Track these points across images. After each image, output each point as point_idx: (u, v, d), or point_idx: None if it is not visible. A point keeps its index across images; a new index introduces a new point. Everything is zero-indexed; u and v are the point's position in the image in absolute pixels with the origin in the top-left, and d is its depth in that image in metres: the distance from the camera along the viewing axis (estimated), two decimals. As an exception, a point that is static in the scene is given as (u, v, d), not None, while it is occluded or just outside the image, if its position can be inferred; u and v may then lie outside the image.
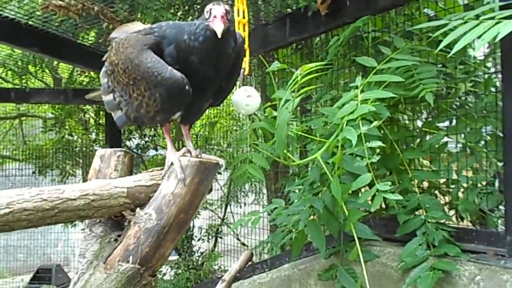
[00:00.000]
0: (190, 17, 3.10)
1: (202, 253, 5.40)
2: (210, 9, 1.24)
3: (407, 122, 2.18)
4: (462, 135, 1.98)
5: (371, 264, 1.94)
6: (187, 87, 1.30)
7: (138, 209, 1.39)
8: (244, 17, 1.74)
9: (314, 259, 2.21)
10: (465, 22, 1.53)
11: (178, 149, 1.44)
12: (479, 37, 1.37)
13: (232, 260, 5.90)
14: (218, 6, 1.24)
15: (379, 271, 1.91)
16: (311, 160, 1.87)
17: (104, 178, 1.54)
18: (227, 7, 1.27)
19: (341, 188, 1.68)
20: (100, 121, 5.34)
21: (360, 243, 1.79)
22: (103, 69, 1.56)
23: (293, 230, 2.10)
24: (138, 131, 5.21)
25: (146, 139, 5.34)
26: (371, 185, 1.68)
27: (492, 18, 1.43)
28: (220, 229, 5.62)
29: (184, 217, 1.39)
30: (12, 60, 4.03)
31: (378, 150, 1.59)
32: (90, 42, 3.43)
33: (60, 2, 2.50)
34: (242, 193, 5.75)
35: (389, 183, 1.56)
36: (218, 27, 1.21)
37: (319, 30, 2.39)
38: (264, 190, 5.44)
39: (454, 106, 2.09)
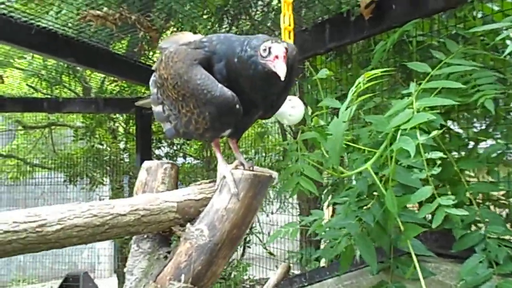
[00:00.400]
0: (224, 25, 3.06)
1: (229, 262, 5.33)
2: (269, 48, 1.16)
3: (459, 130, 2.06)
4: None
5: (426, 281, 1.82)
6: (237, 106, 1.24)
7: (188, 225, 1.33)
8: (290, 24, 1.67)
9: (360, 275, 2.11)
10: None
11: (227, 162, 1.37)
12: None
13: (259, 269, 5.82)
14: (278, 44, 1.17)
15: (435, 290, 1.80)
16: (360, 171, 1.77)
17: (151, 191, 1.48)
18: (286, 45, 1.20)
19: (396, 202, 1.58)
20: (130, 130, 5.36)
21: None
22: (152, 78, 1.51)
23: (340, 243, 2.00)
24: (168, 140, 5.21)
25: (175, 147, 5.33)
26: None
27: None
28: (248, 238, 5.55)
29: (237, 233, 1.32)
30: (46, 70, 4.08)
31: (438, 162, 1.48)
32: (123, 51, 3.43)
33: (98, 12, 2.49)
34: (267, 201, 5.67)
35: (452, 197, 1.45)
36: (281, 70, 1.14)
37: (362, 35, 2.30)
38: (290, 199, 5.35)
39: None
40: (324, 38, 2.50)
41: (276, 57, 1.15)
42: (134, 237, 1.46)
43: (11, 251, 1.12)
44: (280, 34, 2.80)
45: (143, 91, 4.81)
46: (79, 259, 10.06)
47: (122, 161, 5.59)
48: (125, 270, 1.45)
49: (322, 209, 2.80)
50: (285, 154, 4.68)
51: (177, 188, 1.53)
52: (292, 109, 1.54)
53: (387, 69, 1.43)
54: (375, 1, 2.12)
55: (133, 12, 2.54)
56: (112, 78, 4.45)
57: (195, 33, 2.00)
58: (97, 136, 5.48)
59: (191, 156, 5.85)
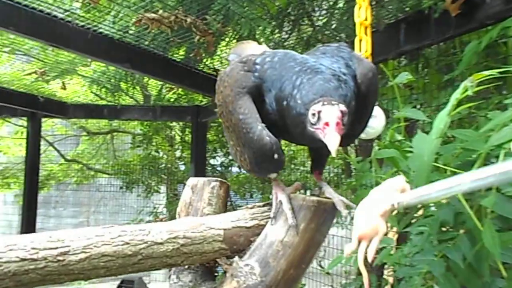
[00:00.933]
0: (285, 28, 2.84)
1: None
2: (319, 112, 0.91)
3: None
4: None
5: None
6: (276, 155, 1.00)
7: (236, 258, 1.10)
8: (366, 18, 1.40)
9: (441, 321, 1.76)
10: None
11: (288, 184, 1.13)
12: None
13: (314, 283, 5.48)
14: (331, 107, 0.91)
15: None
16: (449, 197, 1.45)
17: (195, 213, 1.28)
18: (343, 107, 0.92)
19: (498, 239, 1.25)
20: (186, 138, 5.29)
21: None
22: None
23: (416, 283, 1.68)
24: (223, 150, 5.07)
25: (230, 157, 5.18)
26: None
27: None
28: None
29: (295, 273, 1.07)
30: (106, 78, 4.10)
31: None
32: (181, 57, 3.33)
33: (153, 15, 2.38)
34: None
35: None
36: (332, 143, 0.89)
37: (446, 36, 1.97)
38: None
39: None
40: (397, 40, 2.19)
41: (327, 124, 0.90)
42: (173, 268, 1.26)
43: (27, 283, 0.95)
44: (346, 38, 2.54)
45: (200, 99, 4.72)
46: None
47: (177, 170, 5.53)
48: None
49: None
50: (346, 168, 4.35)
51: (225, 210, 1.31)
52: (372, 120, 1.27)
53: (507, 68, 1.11)
54: (465, -6, 1.79)
55: (189, 15, 2.40)
56: (169, 86, 4.39)
57: (254, 38, 1.78)
58: (153, 143, 5.48)
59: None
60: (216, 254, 1.13)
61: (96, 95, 5.25)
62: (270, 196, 1.15)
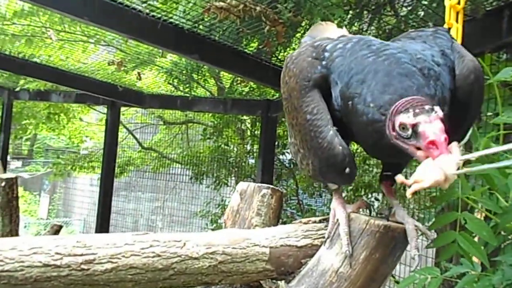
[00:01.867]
0: (364, 19, 2.59)
1: None
2: (413, 126, 0.71)
3: None
4: None
5: None
6: (347, 169, 0.82)
7: (283, 284, 0.94)
8: (459, 2, 1.14)
9: None
10: None
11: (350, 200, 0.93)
12: None
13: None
14: (430, 120, 0.70)
15: None
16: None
17: (242, 223, 1.13)
18: (440, 111, 0.71)
19: None
20: (256, 132, 5.20)
21: None
22: None
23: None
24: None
25: (300, 154, 5.00)
26: None
27: None
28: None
29: (351, 310, 0.88)
30: (178, 69, 4.13)
31: None
32: (252, 49, 3.21)
33: (222, 4, 2.26)
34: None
35: None
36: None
37: None
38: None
39: None
40: (499, 29, 1.85)
41: (432, 144, 0.69)
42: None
43: (49, 291, 0.87)
44: (435, 24, 2.22)
45: (271, 93, 4.59)
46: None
47: (246, 164, 5.47)
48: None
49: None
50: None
51: (276, 222, 1.15)
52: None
53: None
54: None
55: (259, 3, 2.25)
56: (239, 79, 4.31)
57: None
58: (224, 136, 5.47)
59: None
60: (259, 275, 0.97)
61: (172, 84, 5.36)
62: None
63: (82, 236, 0.92)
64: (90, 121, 8.76)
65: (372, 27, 2.82)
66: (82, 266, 0.87)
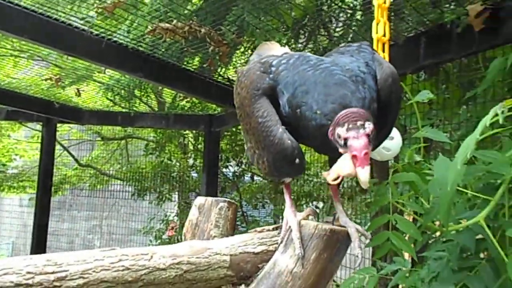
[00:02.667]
0: (301, 40, 2.79)
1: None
2: (345, 139, 0.87)
3: None
4: None
5: None
6: (297, 160, 0.95)
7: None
8: (385, 34, 1.34)
9: None
10: None
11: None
12: None
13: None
14: (358, 137, 0.85)
15: None
16: (469, 224, 1.37)
17: (202, 235, 1.22)
18: (369, 127, 0.87)
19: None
20: (199, 146, 5.27)
21: None
22: None
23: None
24: (236, 159, 5.03)
25: (243, 166, 5.13)
26: None
27: None
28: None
29: (304, 306, 1.00)
30: (120, 85, 4.11)
31: None
32: (195, 67, 3.30)
33: (168, 25, 2.35)
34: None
35: None
36: (364, 177, 0.84)
37: (469, 51, 1.90)
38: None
39: None
40: (417, 54, 2.12)
41: (355, 157, 0.85)
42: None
43: (22, 310, 0.90)
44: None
45: (213, 108, 4.70)
46: None
47: (189, 178, 5.50)
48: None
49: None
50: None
51: (233, 232, 1.26)
52: (389, 141, 1.21)
53: None
54: (490, 9, 1.71)
55: (203, 25, 2.36)
56: (182, 95, 4.37)
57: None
58: (166, 151, 5.46)
59: (258, 176, 5.61)
60: (221, 281, 1.07)
61: (111, 101, 5.27)
62: (281, 217, 1.09)
63: (51, 255, 0.96)
64: (20, 138, 8.27)
65: (308, 48, 3.04)
66: (55, 283, 0.91)
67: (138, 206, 7.34)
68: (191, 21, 2.34)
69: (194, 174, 5.86)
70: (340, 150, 0.88)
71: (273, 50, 1.25)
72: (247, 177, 5.30)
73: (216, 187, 4.38)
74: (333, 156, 1.05)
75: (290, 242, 1.01)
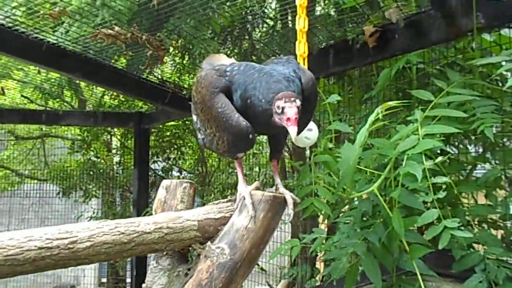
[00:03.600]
0: (228, 44, 3.15)
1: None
2: (283, 108, 1.23)
3: (458, 154, 2.17)
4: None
5: (427, 300, 1.89)
6: (250, 136, 1.31)
7: (209, 243, 1.39)
8: (304, 52, 1.76)
9: (362, 293, 2.17)
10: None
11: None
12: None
13: (250, 284, 5.83)
14: (291, 106, 1.22)
15: (437, 308, 1.87)
16: (367, 192, 1.85)
17: (170, 209, 1.54)
18: (299, 102, 1.25)
19: (402, 223, 1.66)
20: (126, 144, 5.38)
21: (414, 277, 1.77)
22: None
23: (344, 262, 2.06)
24: (163, 155, 5.24)
25: (170, 162, 5.37)
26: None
27: None
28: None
29: (255, 252, 1.38)
30: (49, 83, 4.11)
31: (443, 186, 1.57)
32: (122, 65, 3.46)
33: (110, 32, 2.56)
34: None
35: (457, 219, 1.54)
36: (293, 133, 1.22)
37: (365, 62, 2.42)
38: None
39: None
40: (328, 62, 2.60)
41: (288, 119, 1.22)
42: (153, 254, 1.51)
43: (43, 267, 1.16)
44: (285, 55, 2.92)
45: (140, 105, 4.86)
46: (63, 272, 9.91)
47: (118, 174, 5.59)
48: (143, 286, 1.49)
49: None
50: (281, 171, 4.75)
51: (193, 206, 1.59)
52: (308, 132, 1.62)
53: (402, 101, 1.53)
54: (380, 30, 2.23)
55: (143, 32, 2.62)
56: (113, 93, 4.48)
57: (208, 53, 2.08)
58: (92, 149, 5.48)
59: (185, 170, 5.89)
60: (192, 241, 1.40)
61: (29, 99, 5.15)
62: (234, 194, 1.45)
63: (62, 226, 1.22)
64: None
65: (234, 51, 3.41)
66: (69, 246, 1.18)
67: (57, 205, 7.15)
68: (133, 28, 2.58)
69: (120, 171, 5.94)
70: (277, 118, 1.23)
71: (222, 60, 1.61)
72: (175, 172, 5.54)
73: (147, 182, 4.58)
74: (272, 136, 1.43)
75: (244, 207, 1.38)
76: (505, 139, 2.16)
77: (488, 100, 1.93)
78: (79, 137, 5.64)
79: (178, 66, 3.47)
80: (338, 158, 1.77)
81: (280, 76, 1.32)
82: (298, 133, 1.50)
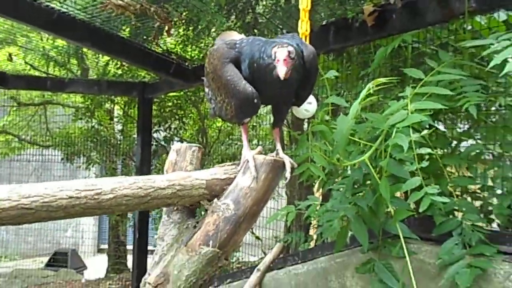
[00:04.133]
0: (240, 22, 3.24)
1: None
2: (275, 53, 1.38)
3: (445, 130, 2.34)
4: (499, 145, 2.13)
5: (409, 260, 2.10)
6: (255, 100, 1.46)
7: (216, 200, 1.56)
8: (306, 30, 1.89)
9: (351, 254, 2.38)
10: (512, 44, 1.68)
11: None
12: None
13: (244, 255, 6.11)
14: (282, 49, 1.38)
15: (417, 267, 2.07)
16: (359, 162, 2.02)
17: (180, 170, 1.70)
18: (290, 48, 1.39)
19: (389, 190, 1.84)
20: (129, 113, 5.51)
21: (399, 240, 1.96)
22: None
23: (335, 224, 2.25)
24: (165, 125, 5.39)
25: (172, 132, 5.52)
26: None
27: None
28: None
29: (256, 209, 1.56)
30: (56, 51, 4.20)
31: (426, 157, 1.74)
32: (126, 34, 3.55)
33: (120, 2, 2.66)
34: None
35: (437, 186, 1.72)
36: (281, 71, 1.37)
37: (364, 40, 2.55)
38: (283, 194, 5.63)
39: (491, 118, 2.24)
40: (328, 39, 2.72)
41: (278, 60, 1.38)
42: (164, 209, 1.69)
43: (73, 214, 1.33)
44: (286, 31, 3.03)
45: (143, 74, 4.97)
46: (62, 237, 10.20)
47: (120, 142, 5.74)
48: (156, 237, 1.68)
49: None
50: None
51: (201, 168, 1.76)
52: (308, 104, 1.78)
53: (393, 78, 1.67)
54: (378, 10, 2.35)
55: (153, 4, 2.72)
56: (117, 62, 4.58)
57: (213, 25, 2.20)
58: (95, 116, 5.62)
59: (185, 140, 6.05)
60: (200, 197, 1.57)
61: (33, 66, 5.24)
62: (239, 156, 1.61)
63: (88, 180, 1.39)
64: None
65: (237, 25, 3.51)
66: (95, 196, 1.35)
67: (56, 170, 7.33)
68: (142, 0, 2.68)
69: (121, 139, 6.09)
70: (275, 64, 1.37)
71: (232, 36, 1.74)
72: (176, 142, 5.70)
73: (150, 150, 4.75)
74: (277, 104, 1.58)
75: (247, 169, 1.55)
76: (491, 117, 2.33)
77: (475, 80, 2.08)
78: (81, 105, 5.75)
79: (182, 37, 3.57)
80: (334, 129, 1.93)
81: (284, 43, 1.47)
82: (299, 104, 1.66)
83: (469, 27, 2.37)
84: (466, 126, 2.47)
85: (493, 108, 2.23)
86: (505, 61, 1.71)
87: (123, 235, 6.85)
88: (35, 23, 2.82)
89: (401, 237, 1.85)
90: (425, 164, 1.73)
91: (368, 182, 2.17)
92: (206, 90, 1.69)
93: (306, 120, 2.98)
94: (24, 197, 1.25)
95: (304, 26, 1.86)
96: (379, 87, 1.70)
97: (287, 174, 1.58)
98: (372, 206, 2.07)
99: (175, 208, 1.67)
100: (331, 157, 1.91)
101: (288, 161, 1.58)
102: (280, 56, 1.38)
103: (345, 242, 2.30)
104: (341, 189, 2.33)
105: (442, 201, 1.69)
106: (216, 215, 1.53)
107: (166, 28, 2.93)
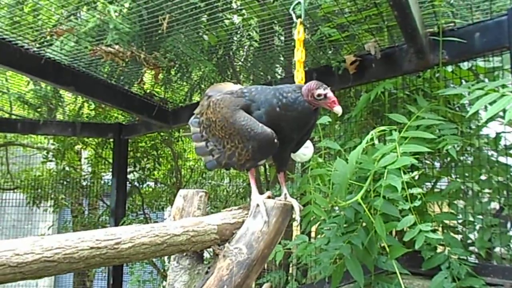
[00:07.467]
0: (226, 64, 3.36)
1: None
2: (325, 94, 1.50)
3: (426, 169, 2.51)
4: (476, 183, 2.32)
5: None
6: (275, 140, 1.55)
7: (227, 244, 1.60)
8: (302, 58, 2.03)
9: (344, 291, 2.45)
10: (486, 94, 1.89)
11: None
12: (504, 111, 1.72)
13: None
14: (329, 91, 1.51)
15: (410, 302, 2.17)
16: (353, 202, 2.13)
17: (188, 216, 1.74)
18: (328, 88, 1.54)
19: (384, 228, 1.95)
20: (103, 154, 5.42)
21: (390, 276, 2.06)
22: (194, 119, 1.78)
23: (330, 263, 2.33)
24: (139, 165, 5.33)
25: (146, 172, 5.46)
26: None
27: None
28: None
29: (267, 252, 1.61)
30: (32, 95, 4.13)
31: (419, 196, 1.88)
32: (105, 75, 3.58)
33: (110, 49, 2.72)
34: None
35: (430, 224, 1.85)
36: (339, 110, 1.51)
37: (346, 85, 2.73)
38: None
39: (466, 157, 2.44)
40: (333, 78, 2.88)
41: (334, 102, 1.51)
42: (173, 256, 1.70)
43: (93, 265, 1.33)
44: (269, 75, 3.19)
45: (115, 115, 4.94)
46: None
47: (94, 185, 5.60)
48: (164, 284, 1.67)
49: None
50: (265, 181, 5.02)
51: (207, 213, 1.80)
52: (305, 149, 1.89)
53: (391, 126, 1.82)
54: (359, 60, 2.55)
55: (142, 51, 2.79)
56: (93, 103, 4.55)
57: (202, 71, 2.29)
58: (65, 158, 5.48)
59: (158, 181, 6.00)
60: (211, 242, 1.61)
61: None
62: (248, 200, 1.67)
63: (107, 229, 1.40)
64: None
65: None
66: (115, 246, 1.36)
67: (11, 215, 6.99)
68: (132, 47, 2.76)
69: (89, 181, 5.93)
70: (322, 103, 1.49)
71: (229, 87, 1.83)
72: (150, 182, 5.63)
73: (125, 191, 4.67)
74: (280, 160, 1.67)
75: (257, 213, 1.61)
76: (464, 156, 2.54)
77: (451, 124, 2.29)
78: (51, 146, 5.60)
79: (163, 80, 3.64)
80: (329, 171, 2.05)
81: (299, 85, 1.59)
82: (298, 149, 1.76)
83: (439, 75, 2.62)
84: (438, 165, 2.67)
85: (468, 149, 2.43)
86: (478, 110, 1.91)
87: (89, 280, 6.53)
88: (21, 69, 2.81)
89: (397, 273, 1.95)
90: (418, 203, 1.86)
91: (360, 220, 2.28)
92: (201, 144, 1.73)
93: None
94: (47, 249, 1.25)
95: (299, 76, 2.00)
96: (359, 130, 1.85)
97: (297, 218, 1.65)
98: (365, 244, 2.17)
99: (184, 254, 1.69)
100: (331, 198, 2.01)
101: (296, 204, 1.66)
102: (333, 97, 1.50)
103: (340, 279, 2.36)
104: (330, 228, 2.42)
105: (435, 238, 1.81)
106: (229, 260, 1.57)
107: (154, 73, 3.00)
